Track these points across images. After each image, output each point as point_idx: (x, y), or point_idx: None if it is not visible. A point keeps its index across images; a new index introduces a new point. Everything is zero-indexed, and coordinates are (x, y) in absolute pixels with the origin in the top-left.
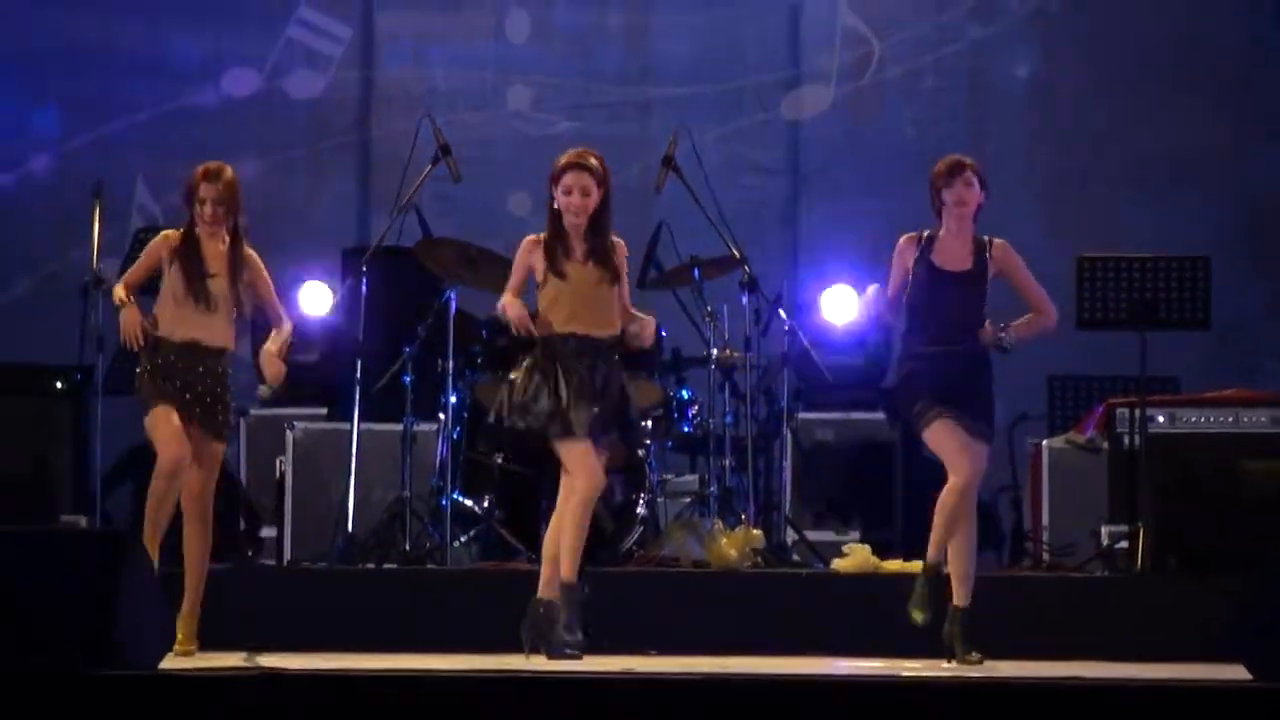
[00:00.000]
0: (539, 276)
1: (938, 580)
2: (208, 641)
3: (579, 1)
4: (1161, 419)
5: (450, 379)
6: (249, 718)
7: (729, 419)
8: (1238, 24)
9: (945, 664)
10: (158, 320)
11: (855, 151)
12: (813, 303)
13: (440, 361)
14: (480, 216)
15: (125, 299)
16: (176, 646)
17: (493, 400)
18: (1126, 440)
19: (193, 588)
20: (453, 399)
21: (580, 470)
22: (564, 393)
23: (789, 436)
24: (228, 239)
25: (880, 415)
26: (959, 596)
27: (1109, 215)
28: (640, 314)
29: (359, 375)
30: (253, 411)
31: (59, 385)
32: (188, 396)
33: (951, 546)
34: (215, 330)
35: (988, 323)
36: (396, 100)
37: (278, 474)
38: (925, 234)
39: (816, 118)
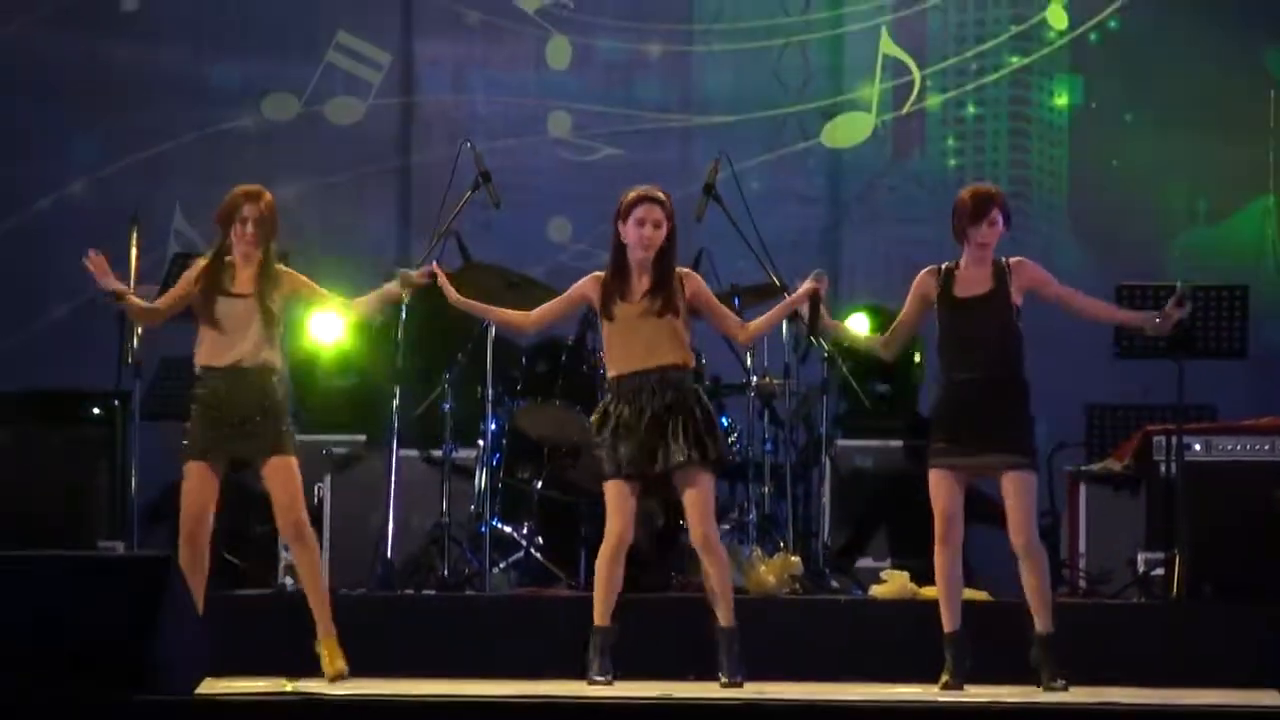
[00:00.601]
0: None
1: (962, 644)
2: (245, 667)
3: (620, 29)
4: (1198, 447)
5: (490, 405)
6: None
7: (768, 446)
8: (1274, 55)
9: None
10: (199, 352)
11: (896, 180)
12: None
13: (480, 388)
14: (520, 242)
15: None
16: (326, 667)
17: (531, 426)
18: (1163, 468)
19: (317, 607)
20: (492, 425)
21: (610, 513)
22: (610, 434)
23: (828, 464)
24: (260, 261)
25: (915, 441)
26: (1040, 623)
27: (1148, 245)
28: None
29: (398, 402)
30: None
31: (96, 411)
32: (236, 421)
33: (1023, 578)
34: (254, 350)
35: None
36: (437, 126)
37: (316, 500)
38: (945, 267)
39: (858, 146)
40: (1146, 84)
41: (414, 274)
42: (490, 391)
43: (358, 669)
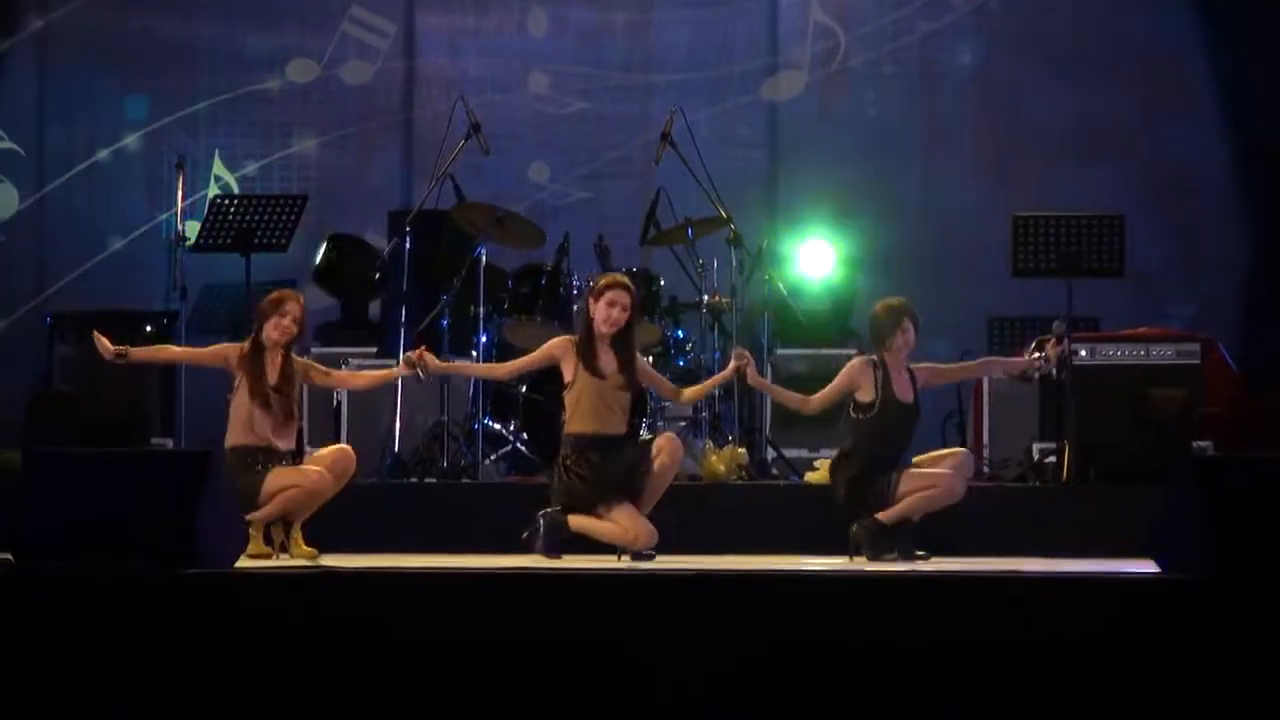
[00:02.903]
0: (568, 375)
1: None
2: (272, 544)
3: (590, 1)
4: (1084, 353)
5: (481, 321)
6: (312, 608)
7: (717, 355)
8: (1150, 17)
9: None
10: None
11: (825, 128)
12: (792, 256)
13: (473, 306)
14: (506, 184)
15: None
16: (296, 549)
17: (516, 339)
18: (1054, 372)
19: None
20: (483, 338)
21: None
22: (568, 485)
23: (769, 370)
24: (282, 355)
25: (844, 350)
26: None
27: (1040, 181)
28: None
29: (404, 318)
30: (314, 350)
31: (148, 328)
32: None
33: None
34: (288, 437)
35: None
36: (435, 85)
37: (334, 403)
38: (875, 362)
39: (792, 100)
40: (1039, 44)
41: (413, 355)
42: (481, 310)
43: (372, 546)
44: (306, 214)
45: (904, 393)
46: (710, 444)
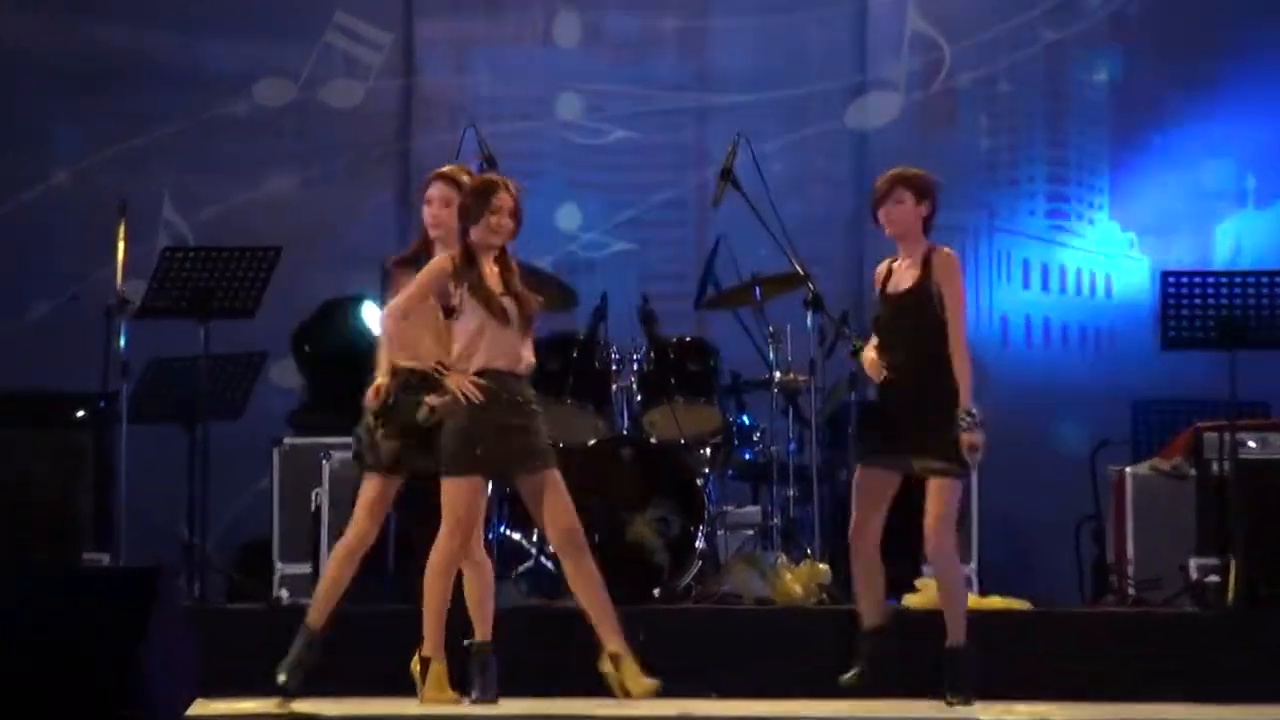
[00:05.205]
0: None
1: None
2: (238, 685)
3: (633, 4)
4: (1252, 444)
5: None
6: None
7: (792, 446)
8: None
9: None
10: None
11: (925, 163)
12: None
13: None
14: (527, 231)
15: None
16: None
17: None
18: (1215, 467)
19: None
20: None
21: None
22: None
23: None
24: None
25: None
26: (948, 635)
27: (1197, 227)
28: None
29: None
30: (286, 441)
31: (80, 413)
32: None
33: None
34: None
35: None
36: (438, 109)
37: (313, 506)
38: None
39: (884, 127)
40: (1191, 57)
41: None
42: None
43: (359, 686)
44: (280, 269)
45: (901, 280)
46: (783, 558)
